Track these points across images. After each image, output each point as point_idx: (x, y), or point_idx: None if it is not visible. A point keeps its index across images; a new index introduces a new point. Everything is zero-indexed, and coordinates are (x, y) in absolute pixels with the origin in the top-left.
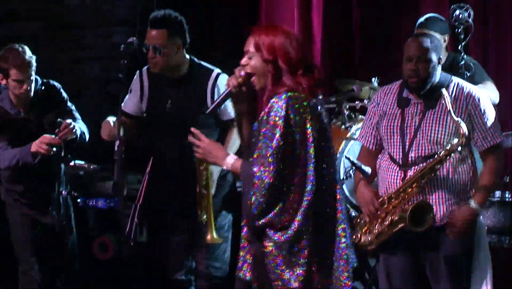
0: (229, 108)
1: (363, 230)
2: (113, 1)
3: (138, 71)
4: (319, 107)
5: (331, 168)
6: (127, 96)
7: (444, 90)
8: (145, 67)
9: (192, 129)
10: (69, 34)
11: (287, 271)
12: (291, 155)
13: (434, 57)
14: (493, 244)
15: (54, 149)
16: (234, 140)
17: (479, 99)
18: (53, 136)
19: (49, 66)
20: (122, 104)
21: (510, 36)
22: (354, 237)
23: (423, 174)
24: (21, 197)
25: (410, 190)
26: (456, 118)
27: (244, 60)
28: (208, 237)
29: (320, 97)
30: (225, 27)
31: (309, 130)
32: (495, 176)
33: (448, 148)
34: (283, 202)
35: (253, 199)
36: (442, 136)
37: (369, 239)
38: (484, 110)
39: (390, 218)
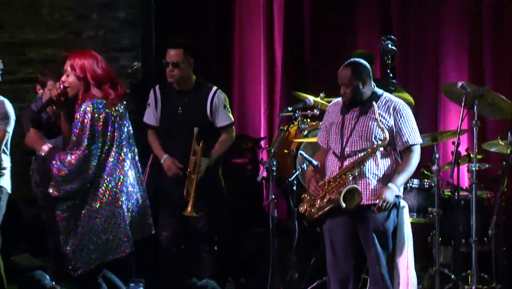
0: (222, 118)
1: (308, 204)
2: (119, 33)
3: (152, 89)
4: (120, 111)
5: (124, 163)
6: (146, 110)
7: (375, 104)
8: (157, 85)
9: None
10: None
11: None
12: (93, 143)
13: (356, 82)
14: (413, 220)
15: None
16: (223, 144)
17: (403, 110)
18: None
19: None
20: (144, 117)
21: (428, 54)
22: (301, 208)
23: (354, 165)
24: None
25: (344, 176)
26: (381, 126)
27: (63, 78)
28: (189, 209)
29: (123, 104)
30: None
31: (107, 128)
32: (407, 164)
33: (374, 146)
34: (81, 179)
35: (56, 173)
36: (370, 135)
37: (313, 210)
38: (406, 120)
39: (328, 196)
